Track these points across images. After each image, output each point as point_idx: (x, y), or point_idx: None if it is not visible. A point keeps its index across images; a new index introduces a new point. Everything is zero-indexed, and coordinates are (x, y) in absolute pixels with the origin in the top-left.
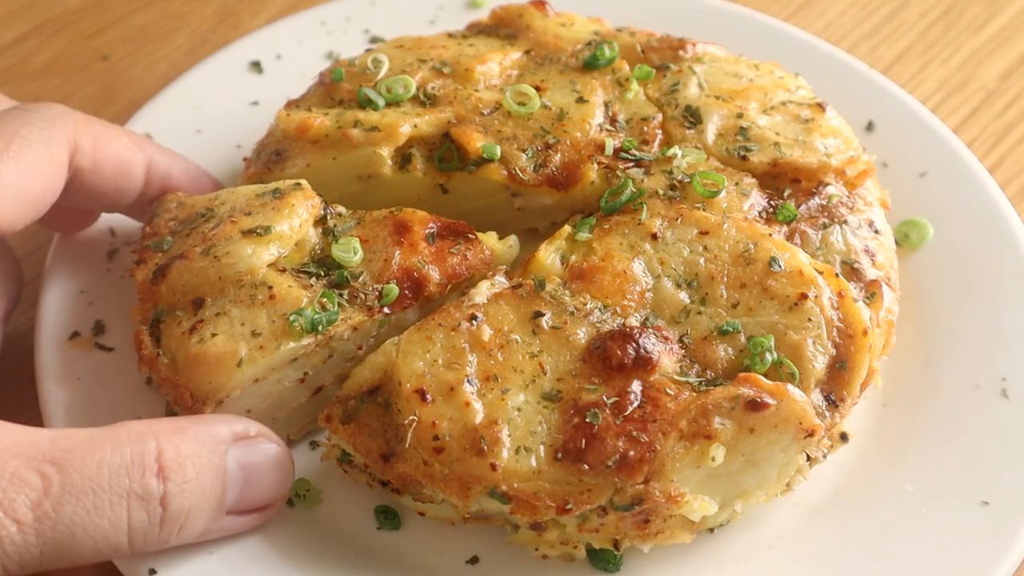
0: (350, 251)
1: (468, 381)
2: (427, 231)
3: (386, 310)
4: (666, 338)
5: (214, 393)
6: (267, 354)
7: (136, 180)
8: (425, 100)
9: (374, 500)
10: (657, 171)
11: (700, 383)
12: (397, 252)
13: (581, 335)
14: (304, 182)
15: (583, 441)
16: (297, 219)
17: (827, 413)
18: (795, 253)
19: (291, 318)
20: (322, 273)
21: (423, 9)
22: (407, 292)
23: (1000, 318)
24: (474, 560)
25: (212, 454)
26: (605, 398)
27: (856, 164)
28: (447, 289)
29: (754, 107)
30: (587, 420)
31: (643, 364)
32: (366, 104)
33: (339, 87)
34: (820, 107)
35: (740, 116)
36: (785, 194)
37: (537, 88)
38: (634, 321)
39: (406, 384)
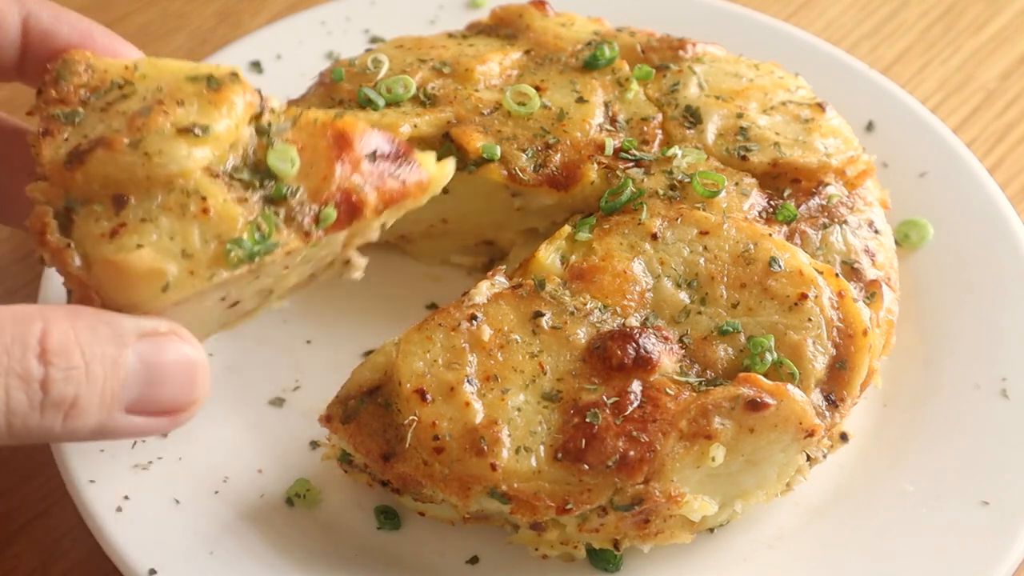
0: (287, 161)
1: (468, 381)
2: (368, 149)
3: (321, 234)
4: (666, 338)
5: (129, 308)
6: (198, 281)
7: (8, 34)
8: (425, 100)
9: (374, 500)
10: (657, 171)
11: (700, 383)
12: (337, 169)
13: (581, 335)
14: (239, 71)
15: (583, 441)
16: (234, 117)
17: (827, 413)
18: (795, 253)
19: (228, 247)
20: (257, 183)
21: (423, 9)
22: (343, 215)
23: (1000, 318)
24: (474, 560)
25: (108, 344)
26: (605, 398)
27: (856, 164)
28: (379, 211)
29: (754, 107)
30: (587, 420)
31: (643, 364)
32: (366, 104)
33: (339, 87)
34: (820, 107)
35: (740, 116)
36: (785, 194)
37: (537, 88)
38: (634, 321)
39: (406, 384)
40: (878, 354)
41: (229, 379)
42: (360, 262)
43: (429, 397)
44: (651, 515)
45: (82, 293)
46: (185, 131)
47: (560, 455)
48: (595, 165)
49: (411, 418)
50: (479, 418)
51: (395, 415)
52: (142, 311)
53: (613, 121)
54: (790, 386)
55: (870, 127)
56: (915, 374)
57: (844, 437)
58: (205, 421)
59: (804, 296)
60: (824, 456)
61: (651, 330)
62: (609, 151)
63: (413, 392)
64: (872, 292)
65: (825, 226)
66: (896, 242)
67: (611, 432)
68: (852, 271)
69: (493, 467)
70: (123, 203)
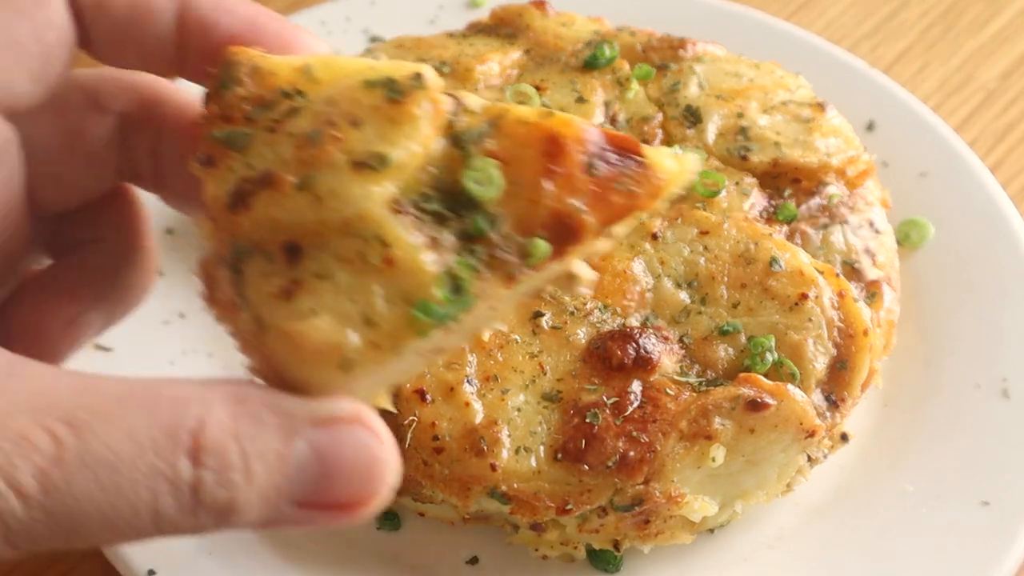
0: (487, 183)
1: (468, 381)
2: (587, 155)
3: (529, 272)
4: (666, 338)
5: (305, 387)
6: (383, 355)
7: (159, 25)
8: None
9: None
10: None
11: (700, 383)
12: (548, 185)
13: (581, 335)
14: (426, 71)
15: (583, 441)
16: (419, 137)
17: (828, 413)
18: (795, 253)
19: (415, 312)
20: (451, 215)
21: (423, 9)
22: (556, 245)
23: (1001, 318)
24: (474, 561)
25: (274, 438)
26: (605, 398)
27: (857, 164)
28: (604, 231)
29: (754, 107)
30: (587, 420)
31: (643, 364)
32: None
33: None
34: (821, 107)
35: (740, 116)
36: (786, 194)
37: (537, 88)
38: (634, 321)
39: (405, 384)
40: (879, 354)
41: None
42: (588, 274)
43: (429, 397)
44: (651, 515)
45: (257, 361)
46: (361, 165)
47: (560, 455)
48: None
49: (411, 418)
50: (479, 418)
51: (395, 415)
52: (321, 388)
53: (613, 121)
54: (790, 386)
55: (871, 127)
56: (915, 374)
57: (844, 437)
58: None
59: (805, 296)
60: (824, 456)
61: (651, 330)
62: None
63: (412, 392)
64: (873, 292)
65: (826, 226)
66: (897, 242)
67: (611, 432)
68: (853, 271)
69: (493, 467)
70: (296, 254)
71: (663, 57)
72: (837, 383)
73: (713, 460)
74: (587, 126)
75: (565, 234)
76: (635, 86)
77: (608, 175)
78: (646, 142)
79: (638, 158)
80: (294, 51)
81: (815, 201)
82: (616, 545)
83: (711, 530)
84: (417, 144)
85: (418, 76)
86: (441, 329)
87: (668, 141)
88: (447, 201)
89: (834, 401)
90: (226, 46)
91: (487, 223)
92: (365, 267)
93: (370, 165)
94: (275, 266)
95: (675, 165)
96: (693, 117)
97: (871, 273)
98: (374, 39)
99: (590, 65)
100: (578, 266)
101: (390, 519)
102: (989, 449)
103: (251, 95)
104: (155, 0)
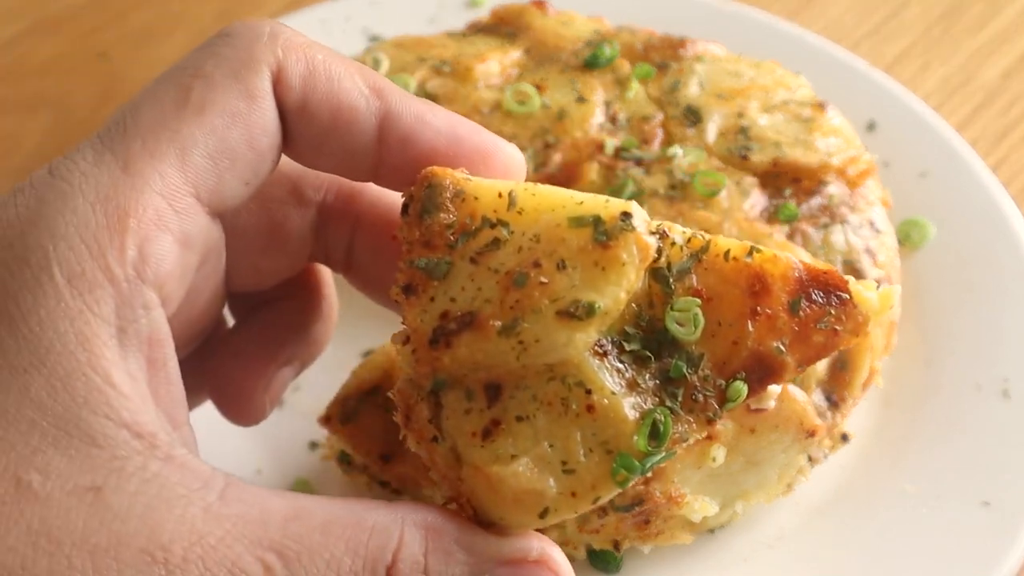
0: (690, 322)
1: None
2: (791, 294)
3: (725, 415)
4: None
5: (502, 529)
6: (579, 504)
7: (362, 136)
8: (425, 99)
9: None
10: (657, 170)
11: None
12: (750, 327)
13: None
14: (634, 209)
15: None
16: (626, 284)
17: (828, 413)
18: (796, 253)
19: (614, 466)
20: (651, 357)
21: (422, 8)
22: (754, 387)
23: (1002, 318)
24: None
25: (463, 567)
26: None
27: (857, 163)
28: (803, 371)
29: (755, 106)
30: None
31: None
32: None
33: None
34: (821, 106)
35: (741, 115)
36: (786, 193)
37: (537, 87)
38: None
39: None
40: (879, 354)
41: None
42: (774, 390)
43: None
44: (651, 516)
45: (453, 492)
46: (568, 315)
47: None
48: (595, 164)
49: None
50: None
51: (395, 415)
52: (514, 528)
53: (613, 120)
54: (791, 386)
55: (871, 126)
56: (916, 374)
57: (845, 437)
58: (204, 421)
59: None
60: (825, 456)
61: None
62: (609, 150)
63: None
64: None
65: (826, 226)
66: (897, 241)
67: None
68: (853, 271)
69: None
70: (497, 395)
71: (663, 56)
72: (837, 383)
73: (713, 460)
74: (793, 262)
75: (764, 375)
76: (635, 85)
77: (811, 314)
78: (646, 141)
79: (843, 295)
80: (493, 165)
81: (816, 201)
82: (616, 545)
83: (711, 530)
84: (623, 290)
85: (626, 216)
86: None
87: (668, 140)
88: (647, 339)
89: (834, 401)
90: (427, 163)
91: (688, 366)
92: (566, 412)
93: (576, 315)
94: (475, 403)
95: (877, 300)
96: (693, 117)
97: (872, 273)
98: (374, 38)
99: (590, 64)
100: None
101: None
102: (990, 449)
103: (454, 222)
104: (359, 110)
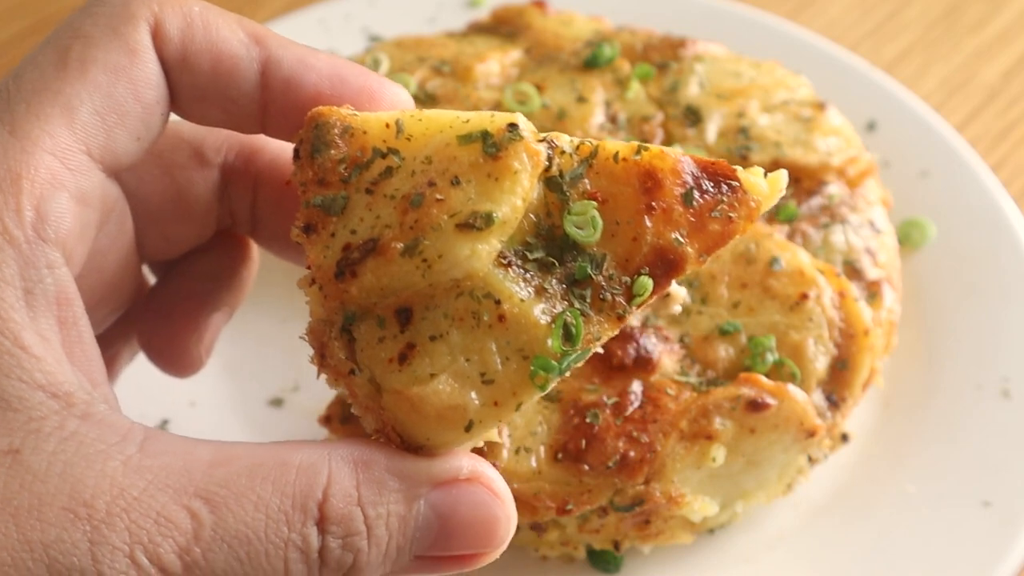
0: (588, 225)
1: None
2: (683, 186)
3: (635, 310)
4: (666, 338)
5: (430, 449)
6: (503, 412)
7: (244, 84)
8: (425, 99)
9: None
10: None
11: (701, 383)
12: (647, 222)
13: None
14: (520, 120)
15: (583, 442)
16: (520, 191)
17: (828, 413)
18: (796, 253)
19: (532, 369)
20: (555, 261)
21: (422, 8)
22: (660, 280)
23: (1002, 318)
24: None
25: (397, 502)
26: (605, 398)
27: (857, 163)
28: (701, 264)
29: (755, 106)
30: (587, 420)
31: (643, 364)
32: None
33: None
34: (821, 106)
35: (741, 115)
36: (786, 193)
37: (537, 87)
38: (634, 321)
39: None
40: (880, 354)
41: (229, 379)
42: (679, 292)
43: None
44: (652, 516)
45: (377, 424)
46: (467, 226)
47: (560, 455)
48: None
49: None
50: None
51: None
52: (442, 447)
53: (613, 120)
54: (791, 386)
55: (871, 126)
56: (916, 374)
57: (845, 437)
58: (204, 421)
59: (805, 296)
60: (825, 456)
61: (651, 330)
62: None
63: None
64: (873, 292)
65: (826, 225)
66: (898, 241)
67: (611, 432)
68: (853, 271)
69: (493, 467)
70: (408, 318)
71: (663, 56)
72: (838, 383)
73: (714, 460)
74: (680, 156)
75: (667, 267)
76: (635, 85)
77: (705, 204)
78: (646, 141)
79: (732, 183)
80: (380, 104)
81: (816, 201)
82: (616, 545)
83: (711, 530)
84: (519, 198)
85: (513, 127)
86: (557, 382)
87: (668, 140)
88: (549, 246)
89: (835, 401)
90: (312, 105)
91: (591, 266)
92: (478, 325)
93: (476, 225)
94: (387, 330)
95: (767, 185)
96: (693, 116)
97: (872, 273)
98: (373, 38)
99: (590, 64)
100: (672, 286)
101: None
102: (990, 449)
103: (344, 156)
104: (239, 57)
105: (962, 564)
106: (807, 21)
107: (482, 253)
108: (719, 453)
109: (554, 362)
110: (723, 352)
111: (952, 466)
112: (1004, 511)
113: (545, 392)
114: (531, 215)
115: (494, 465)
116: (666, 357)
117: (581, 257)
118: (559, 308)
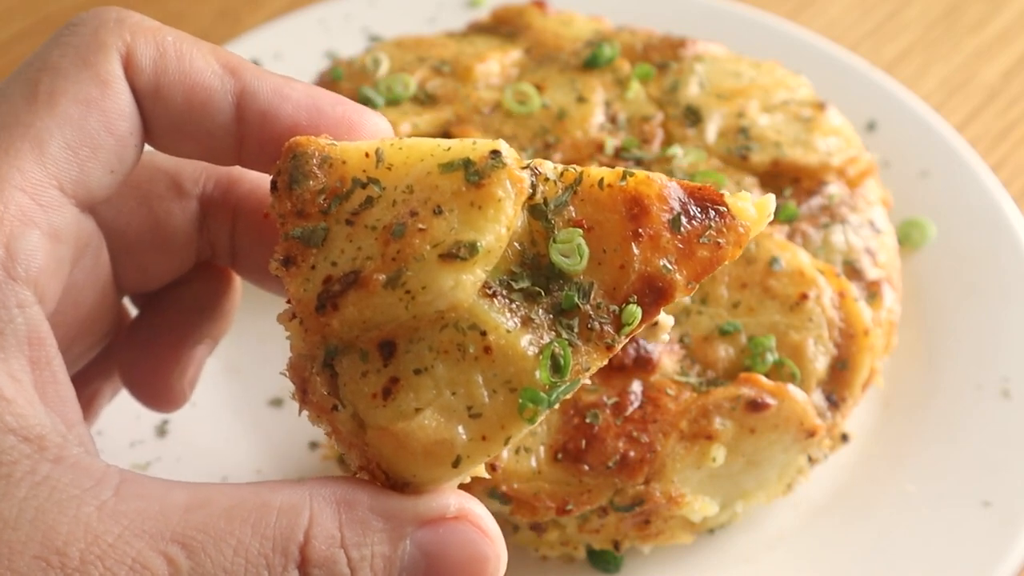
0: (574, 253)
1: None
2: (670, 211)
3: (625, 340)
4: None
5: (417, 486)
6: (492, 447)
7: (219, 116)
8: (425, 99)
9: None
10: (658, 170)
11: (701, 383)
12: (635, 249)
13: None
14: (502, 147)
15: (583, 442)
16: (504, 220)
17: (828, 413)
18: (796, 253)
19: (520, 402)
20: (541, 291)
21: (422, 8)
22: (648, 308)
23: (1002, 318)
24: None
25: (382, 543)
26: (605, 399)
27: (857, 163)
28: (690, 292)
29: (755, 106)
30: (587, 421)
31: (643, 364)
32: (365, 103)
33: (338, 86)
34: (821, 106)
35: (741, 115)
36: (786, 193)
37: (537, 87)
38: None
39: None
40: (880, 354)
41: (229, 379)
42: (667, 321)
43: None
44: (652, 516)
45: (361, 461)
46: (450, 256)
47: (560, 456)
48: (595, 164)
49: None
50: None
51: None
52: (429, 484)
53: (613, 120)
54: (791, 386)
55: (871, 126)
56: (916, 374)
57: (845, 437)
58: (204, 421)
59: (805, 296)
60: (825, 456)
61: None
62: (609, 150)
63: None
64: (873, 292)
65: (826, 225)
66: (898, 241)
67: (611, 433)
68: (853, 271)
69: (493, 468)
70: (391, 351)
71: (663, 56)
72: (838, 383)
73: (714, 460)
74: (667, 182)
75: (656, 295)
76: (635, 85)
77: (693, 230)
78: (646, 141)
79: (720, 208)
80: (359, 133)
81: (816, 201)
82: (616, 545)
83: (711, 530)
84: (503, 226)
85: (496, 154)
86: (545, 415)
87: (668, 140)
88: (535, 275)
89: (835, 401)
90: (290, 136)
91: (579, 295)
92: (464, 357)
93: (459, 255)
94: (371, 364)
95: (755, 210)
96: (694, 117)
97: (872, 273)
98: (373, 38)
99: (590, 64)
100: (661, 315)
101: None
102: (990, 449)
103: (324, 187)
104: (213, 89)
105: (962, 564)
106: (807, 21)
107: (467, 284)
108: (719, 453)
109: (543, 394)
110: (723, 352)
111: (952, 466)
112: (1004, 511)
113: (534, 425)
114: (516, 244)
115: (493, 466)
116: (666, 357)
117: (568, 286)
118: (546, 339)
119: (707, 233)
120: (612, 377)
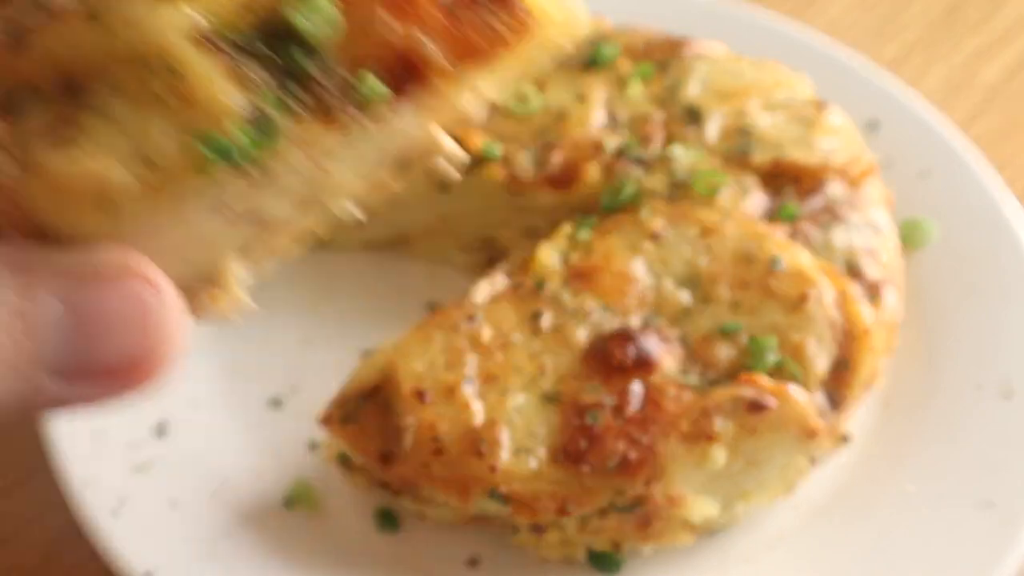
0: (322, 18)
1: (467, 382)
2: None
3: (355, 112)
4: (667, 338)
5: (71, 238)
6: (157, 198)
7: None
8: None
9: (373, 502)
10: (658, 170)
11: (701, 384)
12: (389, 20)
13: (581, 335)
14: None
15: (583, 442)
16: None
17: (829, 414)
18: (797, 253)
19: (199, 146)
20: (273, 56)
21: None
22: (397, 85)
23: (1003, 318)
24: (473, 562)
25: (13, 293)
26: (605, 399)
27: (858, 163)
28: (457, 74)
29: (756, 106)
30: (587, 421)
31: (643, 365)
32: None
33: None
34: (822, 106)
35: (741, 115)
36: (787, 193)
37: (537, 87)
38: (635, 321)
39: (405, 385)
40: (880, 354)
41: (227, 380)
42: (451, 145)
43: (428, 398)
44: (652, 517)
45: (8, 208)
46: None
47: (560, 456)
48: (595, 164)
49: (410, 419)
50: (478, 419)
51: (394, 416)
52: (86, 239)
53: (614, 120)
54: (792, 387)
55: (873, 126)
56: (917, 374)
57: (846, 438)
58: (203, 422)
59: (806, 296)
60: (826, 457)
61: (652, 330)
62: (609, 150)
63: (412, 393)
64: (875, 292)
65: (827, 225)
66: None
67: (611, 433)
68: (855, 271)
69: (492, 469)
70: (76, 93)
71: (664, 56)
72: (839, 383)
73: (714, 461)
74: None
75: (406, 73)
76: (636, 85)
77: (468, 12)
78: (646, 141)
79: None
80: None
81: (817, 201)
82: (617, 546)
83: (712, 531)
84: None
85: None
86: (236, 173)
87: (669, 140)
88: (270, 40)
89: (836, 401)
90: None
91: (313, 63)
92: (155, 103)
93: None
94: (52, 106)
95: (551, 4)
96: (694, 116)
97: (873, 273)
98: None
99: (590, 64)
100: (437, 131)
101: (390, 521)
102: (991, 450)
103: None
104: None
105: (962, 564)
106: (807, 21)
107: (175, 21)
108: (720, 454)
109: (226, 142)
110: (724, 352)
111: (952, 466)
112: (1004, 511)
113: (208, 177)
114: (258, 10)
115: (492, 466)
116: (666, 357)
117: (308, 54)
118: (258, 98)
119: (482, 14)
120: (612, 377)
